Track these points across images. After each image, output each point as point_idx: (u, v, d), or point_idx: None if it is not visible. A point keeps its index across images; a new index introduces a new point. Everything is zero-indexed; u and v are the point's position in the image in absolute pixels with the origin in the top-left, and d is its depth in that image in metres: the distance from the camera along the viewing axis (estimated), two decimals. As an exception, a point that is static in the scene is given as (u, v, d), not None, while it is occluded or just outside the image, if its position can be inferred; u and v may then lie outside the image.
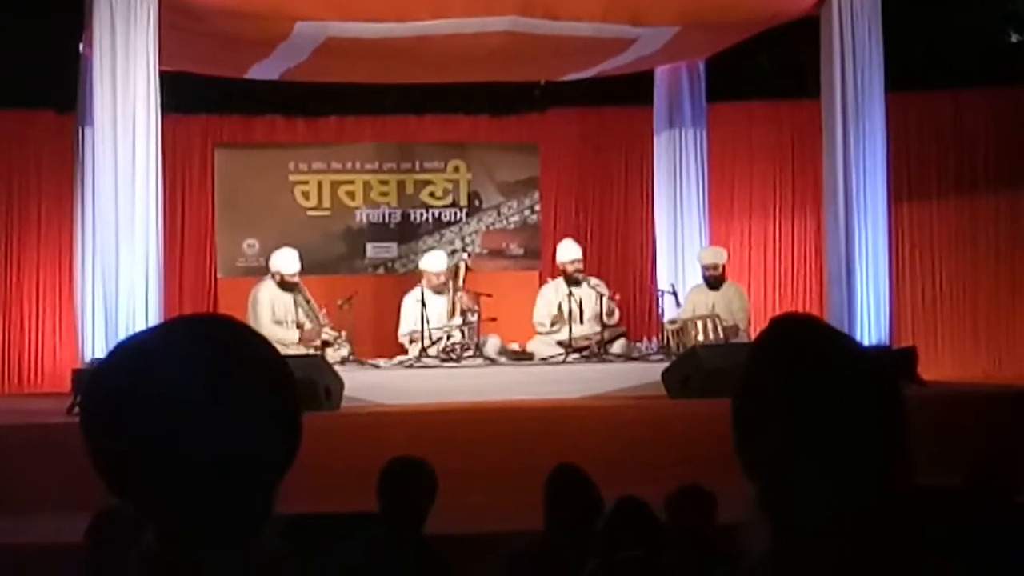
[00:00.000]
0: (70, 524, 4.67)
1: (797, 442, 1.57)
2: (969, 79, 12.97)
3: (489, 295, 11.18)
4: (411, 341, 10.84)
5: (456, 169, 13.42)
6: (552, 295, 11.31)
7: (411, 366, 10.41)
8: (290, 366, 1.58)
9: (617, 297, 11.28)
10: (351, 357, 10.48)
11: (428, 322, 10.61)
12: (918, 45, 12.27)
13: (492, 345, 10.78)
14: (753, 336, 10.53)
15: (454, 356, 10.57)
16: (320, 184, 13.15)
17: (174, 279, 12.20)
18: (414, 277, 11.62)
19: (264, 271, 11.20)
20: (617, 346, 10.89)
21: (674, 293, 11.59)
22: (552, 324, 11.09)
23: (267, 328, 10.19)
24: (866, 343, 10.06)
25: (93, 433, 1.50)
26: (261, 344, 1.57)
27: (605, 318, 10.98)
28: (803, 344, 1.63)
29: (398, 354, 10.88)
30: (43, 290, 12.59)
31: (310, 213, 13.12)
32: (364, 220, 13.25)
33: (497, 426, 8.89)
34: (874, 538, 1.57)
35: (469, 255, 12.51)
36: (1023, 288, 13.10)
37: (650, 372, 9.96)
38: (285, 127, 13.37)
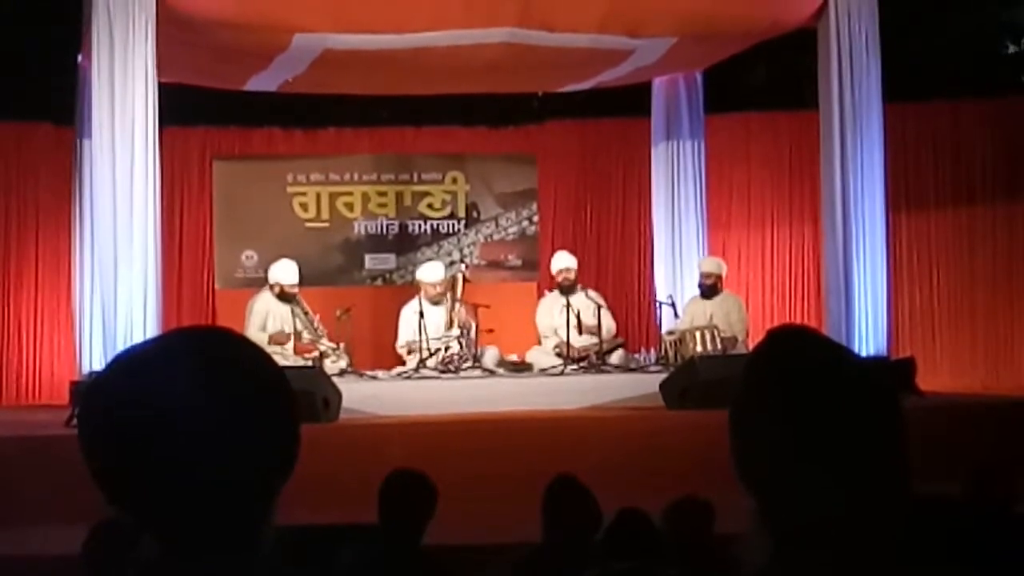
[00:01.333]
0: (68, 535, 4.67)
1: (795, 453, 1.57)
2: (966, 90, 12.99)
3: (487, 306, 11.19)
4: (409, 352, 10.85)
5: (454, 180, 13.43)
6: (551, 306, 11.32)
7: (409, 377, 10.40)
8: (288, 378, 1.58)
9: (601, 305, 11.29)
10: (349, 368, 10.48)
11: (426, 333, 10.60)
12: (916, 55, 12.29)
13: (490, 356, 10.78)
14: (751, 347, 10.53)
15: (452, 367, 10.56)
16: (318, 195, 13.16)
17: (172, 291, 12.21)
18: (412, 288, 11.62)
19: (263, 282, 11.20)
20: (615, 357, 10.90)
21: (672, 304, 11.59)
22: (557, 345, 11.09)
23: (252, 336, 10.21)
24: (864, 353, 10.07)
25: (91, 445, 1.50)
26: (259, 356, 1.58)
27: (604, 333, 10.99)
28: (800, 356, 1.63)
29: (396, 365, 10.88)
30: (41, 302, 12.58)
31: (308, 225, 13.13)
32: (362, 231, 13.26)
33: (495, 437, 8.89)
34: (873, 548, 1.57)
35: (467, 266, 12.52)
36: (1021, 298, 13.10)
37: (648, 383, 9.96)
38: (283, 139, 13.39)
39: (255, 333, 10.38)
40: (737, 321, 11.20)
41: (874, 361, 9.74)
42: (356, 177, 13.27)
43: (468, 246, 13.41)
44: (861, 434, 1.57)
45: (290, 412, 1.56)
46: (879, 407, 1.61)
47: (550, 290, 11.70)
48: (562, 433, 9.01)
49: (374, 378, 10.45)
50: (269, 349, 9.65)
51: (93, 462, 1.50)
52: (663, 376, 9.93)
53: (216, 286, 13.04)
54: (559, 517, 4.57)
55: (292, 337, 10.73)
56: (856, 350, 9.99)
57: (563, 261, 11.44)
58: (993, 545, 4.07)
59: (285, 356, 10.31)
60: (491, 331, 11.09)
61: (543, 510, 4.59)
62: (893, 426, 1.60)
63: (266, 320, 10.74)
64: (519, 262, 13.51)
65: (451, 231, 13.40)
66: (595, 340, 10.91)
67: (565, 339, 10.89)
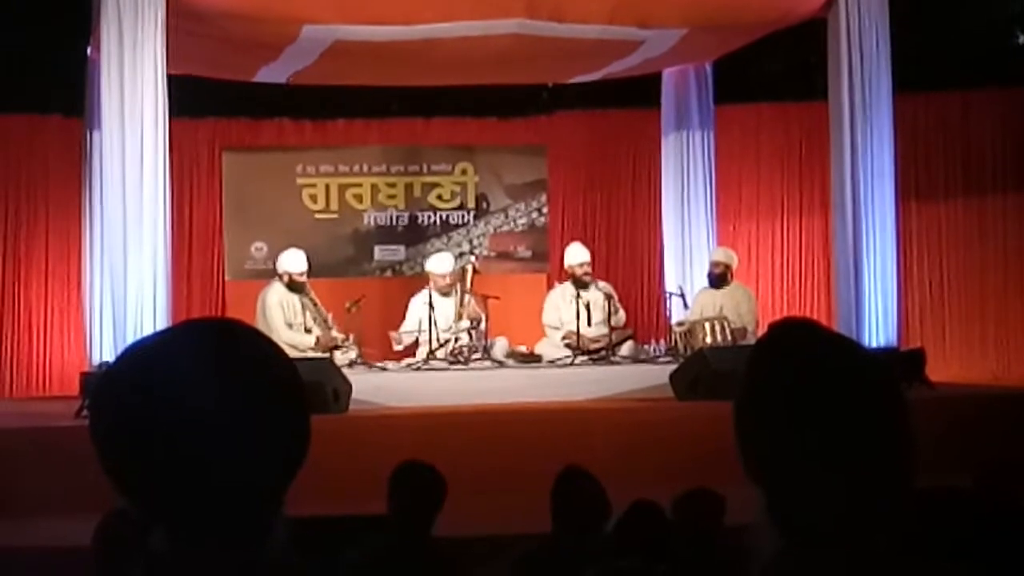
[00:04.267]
0: (78, 527, 4.67)
1: (798, 447, 1.57)
2: (977, 80, 12.95)
3: (497, 298, 11.18)
4: (399, 342, 10.85)
5: (464, 172, 13.43)
6: (560, 299, 11.32)
7: (419, 369, 10.41)
8: (298, 369, 1.58)
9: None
10: (359, 360, 10.48)
11: (435, 324, 10.61)
12: (926, 46, 12.26)
13: (500, 347, 10.79)
14: (761, 338, 10.50)
15: (462, 359, 10.57)
16: (328, 187, 13.17)
17: (182, 282, 12.22)
18: (422, 279, 11.63)
19: (272, 274, 11.21)
20: (625, 348, 10.89)
21: (682, 295, 11.59)
22: (564, 336, 11.08)
23: (282, 333, 10.22)
24: (874, 344, 10.06)
25: (102, 436, 1.51)
26: (269, 347, 1.58)
27: (612, 320, 11.00)
28: (802, 349, 1.63)
29: (406, 356, 10.88)
30: (51, 293, 12.60)
31: (318, 216, 13.14)
32: (372, 223, 13.27)
33: (505, 428, 8.89)
34: (881, 541, 1.56)
35: (477, 258, 12.52)
36: (1031, 289, 13.08)
37: (658, 374, 9.95)
38: (293, 130, 13.39)
39: (283, 330, 10.34)
40: (747, 312, 11.20)
41: (877, 353, 9.72)
42: (366, 168, 13.28)
43: (477, 237, 13.41)
44: (864, 427, 1.57)
45: (300, 403, 1.56)
46: (882, 399, 1.60)
47: (560, 282, 11.69)
48: (571, 424, 9.01)
49: (384, 369, 10.45)
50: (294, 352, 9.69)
51: (103, 454, 1.50)
52: (673, 367, 9.91)
53: (226, 277, 13.05)
54: (568, 508, 4.57)
55: (331, 336, 10.69)
56: (866, 341, 9.98)
57: (581, 255, 11.40)
58: (1002, 539, 4.07)
59: (303, 350, 10.28)
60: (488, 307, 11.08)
61: (552, 501, 4.60)
62: (896, 418, 1.60)
63: (284, 314, 10.71)
64: (528, 253, 13.51)
65: (461, 222, 13.40)
66: (605, 331, 10.91)
67: (575, 330, 10.89)
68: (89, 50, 10.34)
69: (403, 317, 11.13)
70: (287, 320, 10.65)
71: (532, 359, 10.88)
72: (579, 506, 4.56)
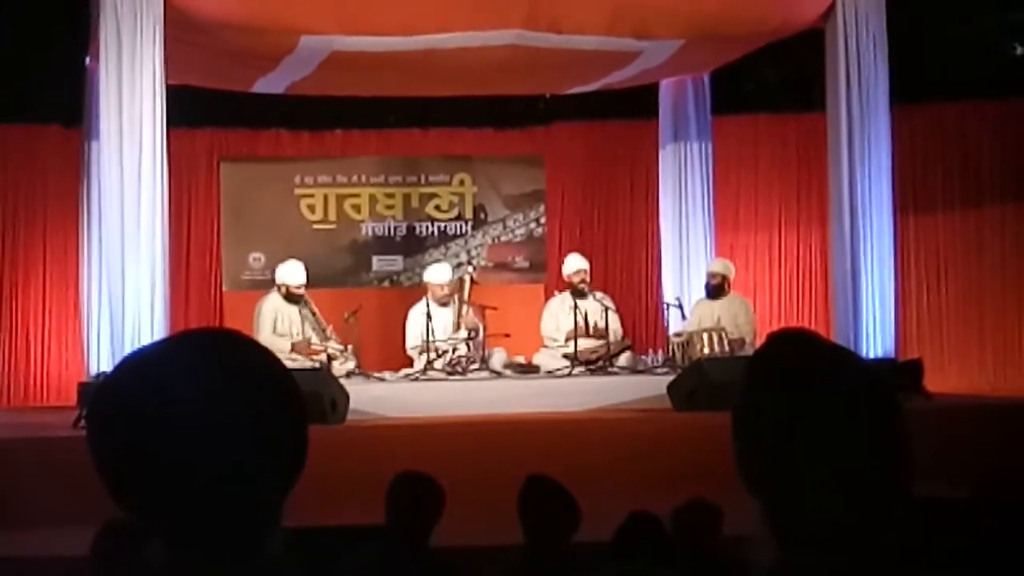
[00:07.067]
0: (75, 537, 4.67)
1: (796, 457, 1.57)
2: (974, 91, 12.97)
3: (495, 308, 11.18)
4: (420, 353, 10.85)
5: (461, 182, 13.43)
6: (558, 308, 11.33)
7: (417, 379, 10.41)
8: (296, 379, 1.58)
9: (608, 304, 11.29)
10: (357, 370, 10.48)
11: (433, 335, 10.61)
12: (923, 57, 12.27)
13: (498, 358, 10.78)
14: (759, 349, 10.50)
15: (460, 369, 10.57)
16: (326, 197, 13.17)
17: (180, 293, 12.22)
18: (419, 290, 11.63)
19: (270, 284, 11.21)
20: (623, 359, 10.90)
21: (679, 306, 11.59)
22: (567, 340, 11.08)
23: (266, 339, 10.21)
24: (872, 355, 10.06)
25: (99, 446, 1.51)
26: (267, 357, 1.58)
27: (611, 336, 11.00)
28: (800, 359, 1.63)
29: (404, 367, 10.87)
30: (49, 303, 12.60)
31: (316, 226, 13.14)
32: (370, 233, 13.27)
33: (503, 439, 8.88)
34: (879, 551, 1.56)
35: (474, 268, 12.52)
36: (1029, 300, 13.09)
37: (655, 385, 9.95)
38: (291, 141, 13.40)
39: (267, 336, 10.37)
40: (745, 323, 11.20)
41: (875, 363, 9.72)
42: (363, 179, 13.29)
43: (475, 248, 13.41)
44: (862, 437, 1.57)
45: (298, 414, 1.56)
46: (880, 410, 1.60)
47: (560, 291, 11.70)
48: (569, 435, 9.00)
49: (381, 380, 10.45)
50: (287, 359, 9.69)
51: (101, 464, 1.50)
52: (670, 378, 9.91)
53: (223, 288, 13.05)
54: (536, 518, 4.53)
55: (308, 343, 10.68)
56: (864, 352, 9.98)
57: (578, 263, 11.44)
58: (1000, 549, 4.07)
59: (294, 359, 10.29)
60: (507, 335, 11.06)
61: (519, 515, 4.55)
62: (894, 429, 1.60)
63: (276, 322, 10.73)
64: (526, 264, 13.52)
65: (458, 233, 13.41)
66: (603, 342, 10.92)
67: (573, 342, 10.89)
68: (88, 60, 10.35)
69: (402, 328, 11.12)
70: (279, 330, 10.65)
71: (530, 369, 10.88)
72: (547, 515, 4.52)
